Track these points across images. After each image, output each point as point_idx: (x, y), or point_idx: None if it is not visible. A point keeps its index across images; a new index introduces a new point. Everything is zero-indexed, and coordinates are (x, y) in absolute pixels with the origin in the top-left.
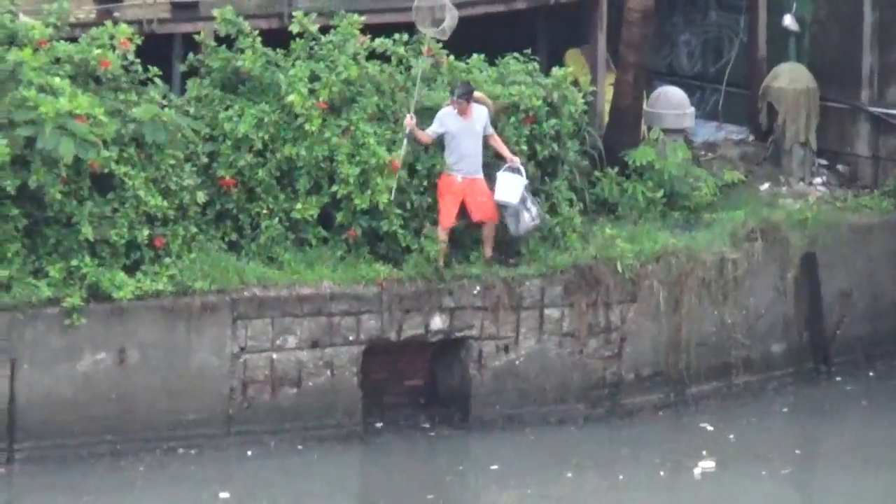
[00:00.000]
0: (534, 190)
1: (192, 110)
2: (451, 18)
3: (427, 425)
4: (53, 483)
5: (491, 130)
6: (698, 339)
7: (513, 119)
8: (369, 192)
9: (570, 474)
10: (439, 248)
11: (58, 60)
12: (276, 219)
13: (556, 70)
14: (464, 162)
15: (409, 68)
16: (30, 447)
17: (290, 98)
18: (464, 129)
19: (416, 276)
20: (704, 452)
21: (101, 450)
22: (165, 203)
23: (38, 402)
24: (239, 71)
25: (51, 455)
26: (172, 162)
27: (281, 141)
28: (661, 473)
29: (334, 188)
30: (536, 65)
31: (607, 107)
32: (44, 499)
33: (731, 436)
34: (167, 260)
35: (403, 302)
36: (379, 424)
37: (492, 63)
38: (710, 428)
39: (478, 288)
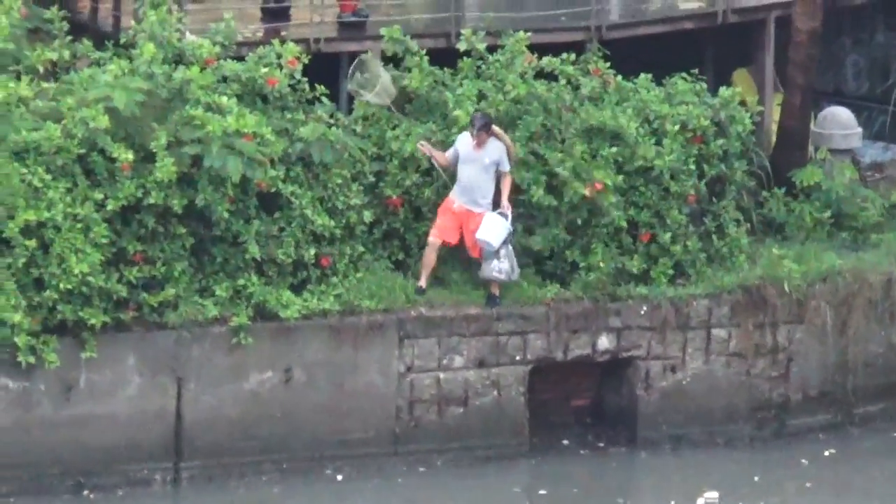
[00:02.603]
0: (701, 210)
1: (359, 129)
2: (381, 84)
3: (594, 445)
4: (219, 502)
5: (507, 168)
6: (865, 360)
7: (680, 139)
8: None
9: (736, 496)
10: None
11: (225, 79)
12: None
13: (723, 90)
14: (463, 190)
15: (576, 87)
16: (196, 466)
17: (456, 113)
18: (471, 158)
19: (584, 295)
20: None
21: (267, 469)
22: (332, 222)
23: (205, 421)
24: (406, 90)
25: (217, 474)
26: (339, 181)
27: None
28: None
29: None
30: (704, 84)
31: (774, 127)
32: None
33: None
34: (334, 279)
35: (570, 322)
36: (545, 444)
37: (659, 83)
38: (876, 449)
39: (645, 308)
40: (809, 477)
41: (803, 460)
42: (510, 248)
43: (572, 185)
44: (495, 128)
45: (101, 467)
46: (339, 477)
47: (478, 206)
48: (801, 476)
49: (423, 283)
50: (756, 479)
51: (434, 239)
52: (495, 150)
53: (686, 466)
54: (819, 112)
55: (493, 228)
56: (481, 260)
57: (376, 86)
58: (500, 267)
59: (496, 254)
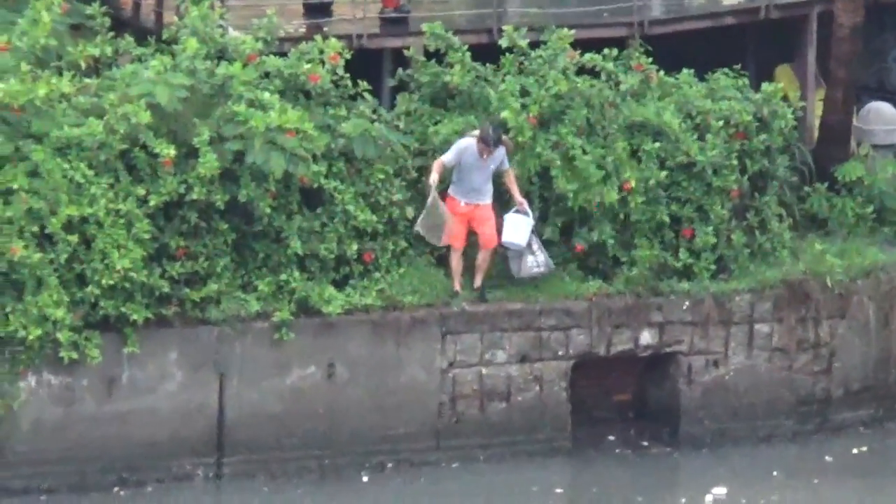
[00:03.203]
0: (744, 205)
1: (401, 125)
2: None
3: (636, 440)
4: (261, 498)
5: (507, 166)
6: None
7: (723, 134)
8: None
9: (780, 491)
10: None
11: (267, 75)
12: None
13: (765, 85)
14: (467, 192)
15: (618, 83)
16: (238, 461)
17: (504, 115)
18: (478, 166)
19: (626, 290)
20: None
21: (309, 465)
22: (374, 217)
23: (247, 416)
24: (448, 86)
25: (258, 470)
26: (382, 176)
27: None
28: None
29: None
30: (746, 80)
31: (817, 122)
32: None
33: None
34: (376, 275)
35: (613, 317)
36: (587, 440)
37: (702, 78)
38: None
39: (687, 303)
40: (849, 470)
41: (828, 457)
42: (538, 239)
43: (606, 190)
44: (504, 137)
45: (143, 462)
46: (382, 473)
47: (483, 198)
48: (823, 471)
49: (457, 287)
50: (774, 473)
51: (457, 247)
52: (500, 154)
53: (729, 461)
54: (861, 107)
55: (516, 228)
56: (498, 248)
57: (442, 232)
58: (537, 261)
59: (529, 249)
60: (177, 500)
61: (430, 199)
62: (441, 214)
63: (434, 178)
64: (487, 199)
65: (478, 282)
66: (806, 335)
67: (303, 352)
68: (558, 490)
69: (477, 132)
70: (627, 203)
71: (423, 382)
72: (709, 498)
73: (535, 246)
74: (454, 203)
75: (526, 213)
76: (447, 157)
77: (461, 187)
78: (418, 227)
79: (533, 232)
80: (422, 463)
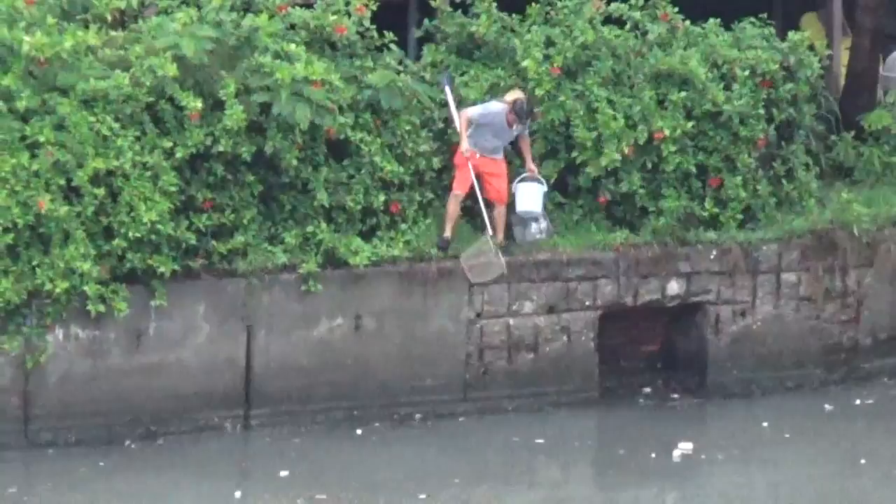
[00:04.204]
0: (770, 155)
1: (427, 76)
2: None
3: (663, 390)
4: (289, 449)
5: (525, 132)
6: None
7: (749, 83)
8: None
9: (806, 442)
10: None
11: (293, 27)
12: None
13: (792, 34)
14: (485, 149)
15: (644, 33)
16: (266, 413)
17: (525, 64)
18: (503, 130)
19: (653, 240)
20: None
21: (337, 416)
22: (401, 169)
23: (275, 368)
24: (474, 36)
25: (286, 421)
26: (408, 128)
27: None
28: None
29: (574, 154)
30: (772, 29)
31: (843, 71)
32: (280, 464)
33: None
34: (403, 226)
35: (640, 267)
36: (615, 390)
37: (728, 27)
38: None
39: (714, 252)
40: (877, 424)
41: (827, 405)
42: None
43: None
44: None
45: (171, 415)
46: (409, 424)
47: (498, 154)
48: (870, 424)
49: (448, 233)
50: (765, 425)
51: (459, 192)
52: (526, 124)
53: (756, 411)
54: (888, 55)
55: (531, 197)
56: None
57: (488, 273)
58: (541, 227)
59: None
60: (205, 452)
61: (482, 242)
62: (491, 251)
63: (465, 144)
64: (501, 156)
65: (500, 238)
66: (833, 284)
67: (330, 303)
68: (586, 438)
69: (510, 97)
70: (653, 152)
71: (451, 333)
72: (676, 453)
73: (541, 213)
74: (471, 154)
75: (538, 180)
76: (474, 114)
77: (478, 142)
78: (464, 263)
79: (544, 196)
80: (449, 414)
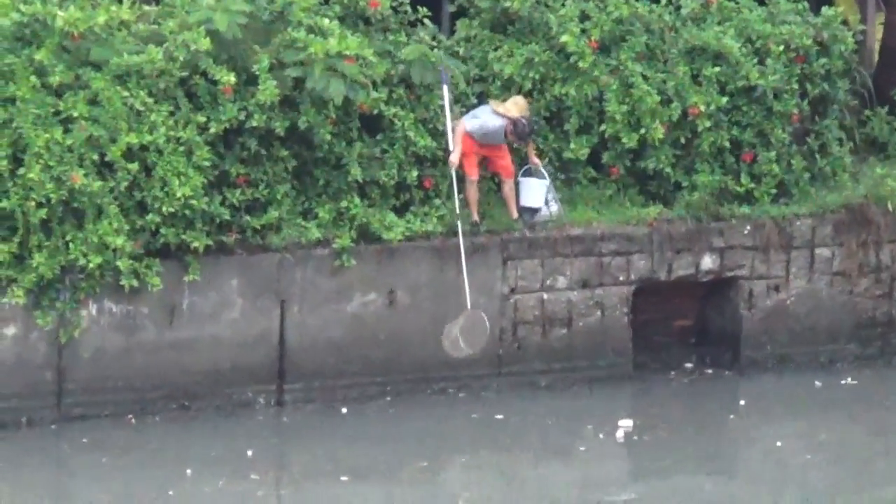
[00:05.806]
0: (804, 130)
1: (461, 51)
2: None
3: (697, 365)
4: (323, 424)
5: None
6: None
7: (783, 58)
8: (642, 130)
9: (840, 417)
10: (468, 200)
11: (327, 1)
12: (547, 159)
13: (825, 9)
14: (483, 144)
15: (678, 8)
16: (299, 388)
17: (564, 39)
18: (499, 139)
19: (687, 215)
20: None
21: (370, 391)
22: (434, 144)
23: (308, 343)
24: (508, 11)
25: (320, 396)
26: (441, 103)
27: (550, 81)
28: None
29: (603, 127)
30: (806, 4)
31: (877, 46)
32: (314, 439)
33: None
34: (437, 201)
35: (673, 242)
36: (649, 365)
37: (762, 2)
38: None
39: (748, 227)
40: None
41: (817, 382)
42: (554, 190)
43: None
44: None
45: (204, 390)
46: (443, 398)
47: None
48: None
49: (476, 217)
50: (742, 402)
51: (473, 178)
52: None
53: (789, 386)
54: None
55: (533, 193)
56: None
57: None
58: (550, 212)
59: (546, 206)
60: (238, 427)
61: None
62: (481, 323)
63: (456, 156)
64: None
65: (513, 212)
66: (867, 259)
67: (364, 278)
68: (619, 413)
69: (511, 105)
70: (687, 128)
71: (484, 308)
72: (619, 433)
73: (550, 197)
74: (470, 142)
75: (540, 175)
76: (470, 128)
77: (477, 137)
78: (446, 340)
79: (547, 188)
80: (482, 389)
